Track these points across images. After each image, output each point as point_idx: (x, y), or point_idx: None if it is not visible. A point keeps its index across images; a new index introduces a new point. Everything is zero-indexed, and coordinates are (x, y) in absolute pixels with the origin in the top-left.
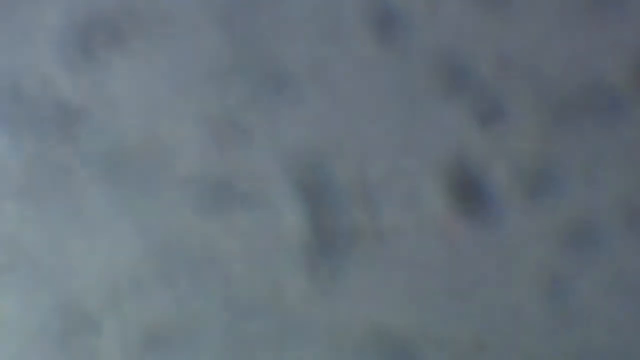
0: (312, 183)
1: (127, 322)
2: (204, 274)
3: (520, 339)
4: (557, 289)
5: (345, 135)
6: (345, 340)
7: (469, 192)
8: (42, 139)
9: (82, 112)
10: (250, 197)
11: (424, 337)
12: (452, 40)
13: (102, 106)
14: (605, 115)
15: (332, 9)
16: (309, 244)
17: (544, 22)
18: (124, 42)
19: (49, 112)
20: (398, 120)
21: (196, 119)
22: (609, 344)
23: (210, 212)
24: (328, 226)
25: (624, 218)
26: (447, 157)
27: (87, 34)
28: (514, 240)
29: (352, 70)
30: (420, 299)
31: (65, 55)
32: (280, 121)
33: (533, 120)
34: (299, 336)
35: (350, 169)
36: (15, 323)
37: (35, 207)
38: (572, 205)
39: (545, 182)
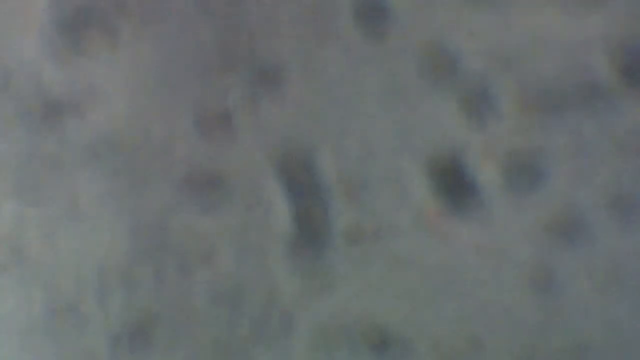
0: (303, 180)
1: (118, 318)
2: (193, 270)
3: (515, 336)
4: (550, 284)
5: (336, 132)
6: (338, 339)
7: (459, 188)
8: (31, 133)
9: (71, 106)
10: (240, 193)
11: (417, 335)
12: (442, 35)
13: (91, 100)
14: (593, 109)
15: (323, 5)
16: (299, 241)
17: (533, 16)
18: (113, 36)
19: (38, 106)
20: (388, 116)
21: (185, 113)
22: (603, 340)
23: (200, 208)
24: (319, 223)
25: (614, 212)
26: (438, 153)
27: (77, 27)
28: (506, 236)
29: (342, 67)
30: (413, 297)
31: (54, 49)
32: (270, 117)
33: (522, 115)
34: (290, 333)
35: (341, 165)
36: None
37: (27, 202)
38: (563, 200)
39: (535, 177)
